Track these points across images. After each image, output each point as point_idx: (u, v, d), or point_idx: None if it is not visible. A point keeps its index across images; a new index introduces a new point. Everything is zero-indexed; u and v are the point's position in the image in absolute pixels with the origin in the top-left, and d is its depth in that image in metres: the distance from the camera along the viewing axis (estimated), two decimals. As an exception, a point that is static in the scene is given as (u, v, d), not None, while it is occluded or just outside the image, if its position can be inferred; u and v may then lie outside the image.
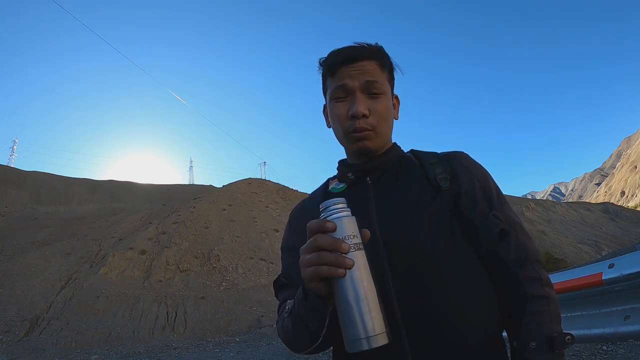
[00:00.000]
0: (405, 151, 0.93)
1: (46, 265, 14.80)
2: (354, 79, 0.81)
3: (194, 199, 25.36)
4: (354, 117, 0.80)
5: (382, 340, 0.58)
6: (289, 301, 0.76)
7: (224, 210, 22.90)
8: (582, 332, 2.09)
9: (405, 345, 0.69)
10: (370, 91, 0.82)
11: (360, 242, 0.62)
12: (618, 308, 1.91)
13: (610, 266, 1.91)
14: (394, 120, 0.90)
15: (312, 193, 0.98)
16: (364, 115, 0.80)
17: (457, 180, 0.81)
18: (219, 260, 16.65)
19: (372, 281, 0.60)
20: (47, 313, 11.54)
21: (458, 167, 0.84)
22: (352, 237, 0.61)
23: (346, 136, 0.84)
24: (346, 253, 0.59)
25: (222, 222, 20.88)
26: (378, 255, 0.74)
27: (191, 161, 77.19)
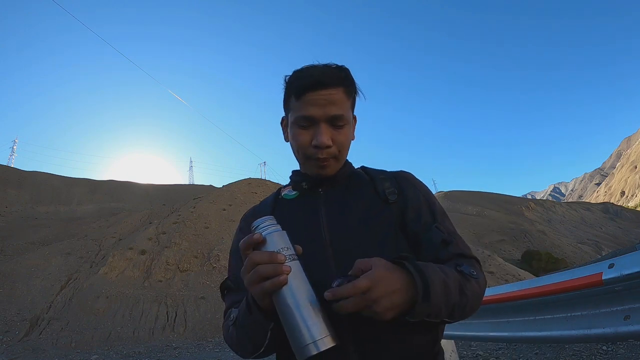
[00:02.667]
0: (356, 167, 0.99)
1: (46, 265, 14.79)
2: (320, 109, 0.82)
3: (194, 199, 25.36)
4: (318, 147, 0.83)
5: (329, 342, 0.60)
6: (233, 309, 0.80)
7: (224, 210, 22.90)
8: (582, 332, 2.09)
9: (350, 351, 0.72)
10: (335, 124, 0.84)
11: (294, 253, 0.64)
12: (618, 308, 1.91)
13: (610, 266, 1.91)
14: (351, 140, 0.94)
15: (263, 200, 1.01)
16: (328, 147, 0.83)
17: (403, 195, 0.87)
18: (219, 260, 16.65)
19: (311, 288, 0.63)
20: (47, 313, 11.53)
21: (405, 183, 0.90)
22: (285, 249, 0.63)
23: (307, 161, 0.87)
24: (283, 263, 0.61)
25: (222, 222, 20.88)
26: (327, 263, 0.78)
27: (191, 161, 77.41)
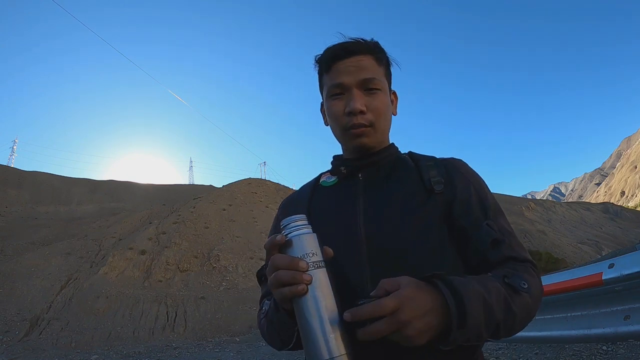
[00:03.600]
0: (403, 152, 0.90)
1: (46, 265, 14.79)
2: (350, 75, 0.80)
3: (194, 199, 25.35)
4: (352, 113, 0.78)
5: None
6: (266, 300, 0.78)
7: (224, 210, 22.90)
8: (582, 332, 2.09)
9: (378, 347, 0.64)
10: (367, 87, 0.80)
11: (322, 259, 0.59)
12: (618, 308, 1.91)
13: (610, 266, 1.91)
14: (393, 116, 0.88)
15: (302, 186, 0.95)
16: (362, 112, 0.78)
17: (452, 186, 0.78)
18: (219, 260, 16.65)
19: (334, 300, 0.57)
20: (47, 313, 11.53)
21: (454, 172, 0.81)
22: (311, 254, 0.58)
23: (344, 133, 0.82)
24: (305, 271, 0.56)
25: (222, 222, 20.88)
26: (360, 263, 0.71)
27: (191, 161, 77.30)
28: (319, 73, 0.88)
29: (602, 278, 1.92)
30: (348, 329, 0.56)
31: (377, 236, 0.73)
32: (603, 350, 3.23)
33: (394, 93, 0.91)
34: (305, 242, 0.59)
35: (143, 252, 16.30)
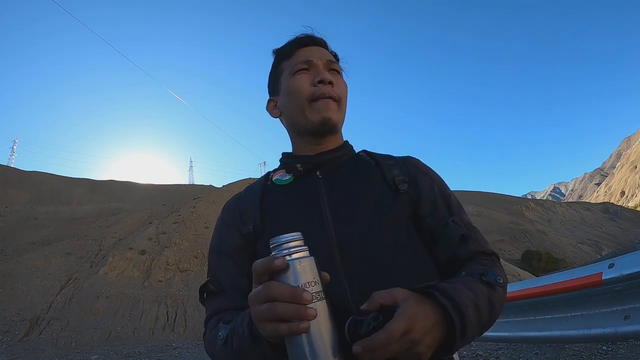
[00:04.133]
0: (357, 151, 0.88)
1: (46, 265, 14.79)
2: (317, 58, 0.80)
3: (194, 199, 25.35)
4: (322, 82, 0.76)
5: None
6: (221, 324, 0.66)
7: (224, 210, 22.89)
8: (582, 332, 2.09)
9: None
10: (332, 68, 0.81)
11: (322, 289, 0.51)
12: (618, 308, 1.91)
13: (610, 266, 1.91)
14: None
15: (248, 186, 0.86)
16: (331, 83, 0.77)
17: (415, 185, 0.77)
18: (219, 260, 16.67)
19: (336, 336, 0.50)
20: (47, 313, 11.53)
21: (415, 171, 0.80)
22: (312, 283, 0.49)
23: (308, 106, 0.77)
24: (307, 305, 0.48)
25: (222, 222, 20.88)
26: (334, 268, 0.65)
27: (191, 161, 77.45)
28: (275, 63, 0.86)
29: (602, 278, 1.93)
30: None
31: (351, 241, 0.69)
32: (603, 350, 3.23)
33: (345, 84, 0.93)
34: (307, 268, 0.50)
35: (143, 252, 16.30)
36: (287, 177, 0.79)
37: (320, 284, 0.51)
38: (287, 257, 0.50)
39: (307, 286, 0.49)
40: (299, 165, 0.78)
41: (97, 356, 8.75)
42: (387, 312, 0.52)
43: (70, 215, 29.19)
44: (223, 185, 31.75)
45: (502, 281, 0.66)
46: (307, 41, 0.82)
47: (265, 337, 0.53)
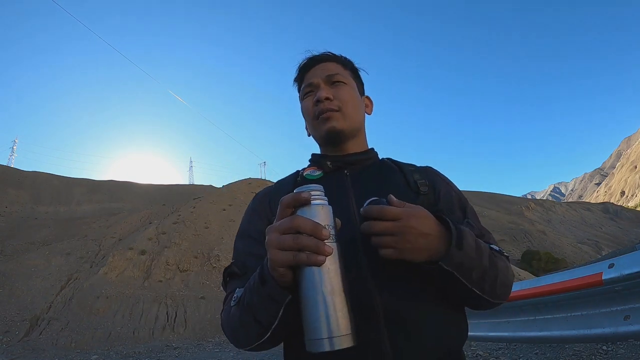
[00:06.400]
0: (381, 158, 0.96)
1: (46, 265, 14.79)
2: (317, 77, 0.89)
3: (194, 199, 25.35)
4: (319, 101, 0.85)
5: (346, 342, 0.53)
6: (238, 289, 0.69)
7: (224, 210, 22.89)
8: (582, 332, 2.09)
9: (386, 347, 0.65)
10: (332, 81, 0.88)
11: (335, 234, 0.57)
12: (618, 308, 1.91)
13: (610, 266, 1.91)
14: (366, 115, 0.95)
15: (279, 180, 0.93)
16: (327, 98, 0.85)
17: (434, 189, 0.84)
18: (219, 260, 16.65)
19: (342, 277, 0.55)
20: (47, 313, 11.53)
21: (435, 178, 0.88)
22: (329, 227, 0.55)
23: (315, 123, 0.87)
24: (325, 240, 0.53)
25: (222, 222, 20.87)
26: (357, 250, 0.70)
27: (191, 161, 77.45)
28: (297, 90, 0.96)
29: (602, 278, 1.92)
30: (354, 309, 0.55)
31: None
32: (603, 350, 3.23)
33: (368, 97, 0.99)
34: (325, 212, 0.56)
35: (143, 252, 16.30)
36: (317, 173, 0.87)
37: (334, 229, 0.57)
38: (313, 200, 0.56)
39: (327, 227, 0.55)
40: (329, 163, 0.86)
41: (97, 356, 8.75)
42: None
43: (70, 215, 29.20)
44: (223, 185, 31.74)
45: (507, 255, 0.75)
46: (308, 64, 0.92)
47: (276, 265, 0.56)
